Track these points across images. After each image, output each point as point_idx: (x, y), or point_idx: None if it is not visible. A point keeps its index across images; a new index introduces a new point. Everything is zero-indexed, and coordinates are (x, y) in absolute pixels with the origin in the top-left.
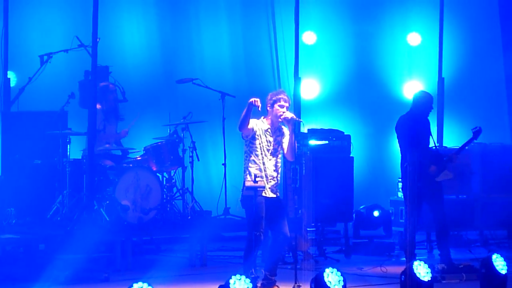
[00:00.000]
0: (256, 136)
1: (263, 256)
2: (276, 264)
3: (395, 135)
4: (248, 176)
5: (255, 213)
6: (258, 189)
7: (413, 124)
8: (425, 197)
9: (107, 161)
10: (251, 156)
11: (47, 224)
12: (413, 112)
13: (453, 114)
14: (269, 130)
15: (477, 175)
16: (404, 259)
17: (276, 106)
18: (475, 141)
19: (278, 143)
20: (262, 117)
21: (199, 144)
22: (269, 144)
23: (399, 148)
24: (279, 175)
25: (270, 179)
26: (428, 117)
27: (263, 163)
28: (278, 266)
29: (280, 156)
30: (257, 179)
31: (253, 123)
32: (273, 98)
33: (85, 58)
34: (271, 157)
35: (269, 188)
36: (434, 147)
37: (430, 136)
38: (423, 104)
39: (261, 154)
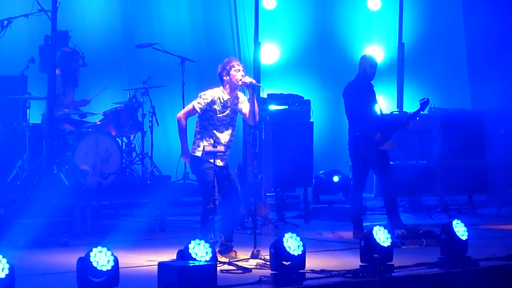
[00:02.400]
0: (215, 107)
1: (221, 223)
2: (231, 230)
3: None
4: (204, 141)
5: (212, 179)
6: (218, 153)
7: (360, 90)
8: (372, 165)
9: (66, 126)
10: (208, 128)
11: (6, 189)
12: (359, 78)
13: (413, 79)
14: (228, 102)
15: (437, 140)
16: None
17: (232, 72)
18: (422, 112)
19: (235, 112)
20: (221, 86)
21: (158, 108)
22: (226, 117)
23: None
24: (231, 144)
25: (225, 148)
26: (374, 84)
27: (221, 132)
28: (235, 231)
29: (235, 124)
30: (215, 148)
31: (212, 95)
32: (227, 67)
33: (45, 23)
34: (229, 127)
35: (222, 157)
36: (380, 115)
37: (377, 104)
38: (365, 68)
39: (220, 127)
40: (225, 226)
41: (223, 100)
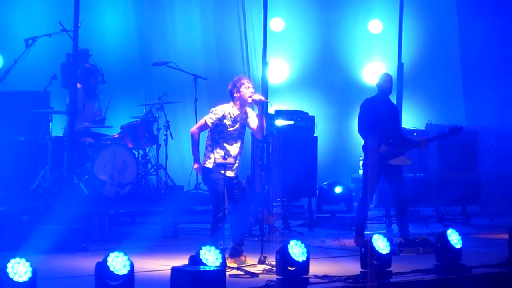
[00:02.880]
0: (225, 122)
1: (231, 229)
2: (242, 236)
3: (356, 115)
4: (215, 154)
5: (222, 189)
6: (228, 165)
7: (374, 105)
8: (384, 175)
9: (87, 138)
10: (219, 141)
11: (30, 197)
12: (377, 94)
13: (412, 97)
14: (238, 117)
15: (434, 155)
16: (367, 232)
17: (242, 89)
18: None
19: (243, 126)
20: (231, 102)
21: (172, 123)
22: (236, 131)
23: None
24: (240, 156)
25: (234, 160)
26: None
27: (231, 145)
28: (245, 238)
29: (244, 138)
30: (225, 160)
31: (223, 110)
32: (237, 84)
33: (67, 42)
34: (238, 141)
35: (231, 168)
36: (403, 131)
37: (396, 118)
38: (381, 85)
39: (230, 140)
40: (235, 231)
41: (233, 115)
